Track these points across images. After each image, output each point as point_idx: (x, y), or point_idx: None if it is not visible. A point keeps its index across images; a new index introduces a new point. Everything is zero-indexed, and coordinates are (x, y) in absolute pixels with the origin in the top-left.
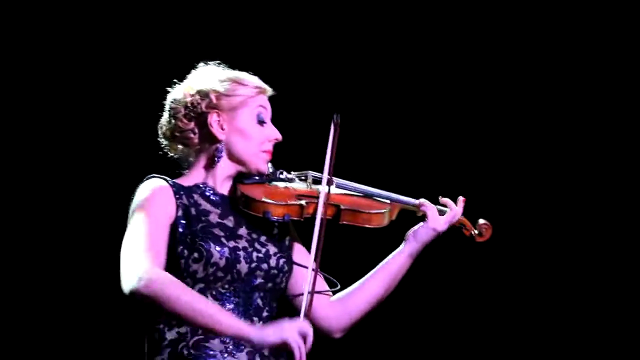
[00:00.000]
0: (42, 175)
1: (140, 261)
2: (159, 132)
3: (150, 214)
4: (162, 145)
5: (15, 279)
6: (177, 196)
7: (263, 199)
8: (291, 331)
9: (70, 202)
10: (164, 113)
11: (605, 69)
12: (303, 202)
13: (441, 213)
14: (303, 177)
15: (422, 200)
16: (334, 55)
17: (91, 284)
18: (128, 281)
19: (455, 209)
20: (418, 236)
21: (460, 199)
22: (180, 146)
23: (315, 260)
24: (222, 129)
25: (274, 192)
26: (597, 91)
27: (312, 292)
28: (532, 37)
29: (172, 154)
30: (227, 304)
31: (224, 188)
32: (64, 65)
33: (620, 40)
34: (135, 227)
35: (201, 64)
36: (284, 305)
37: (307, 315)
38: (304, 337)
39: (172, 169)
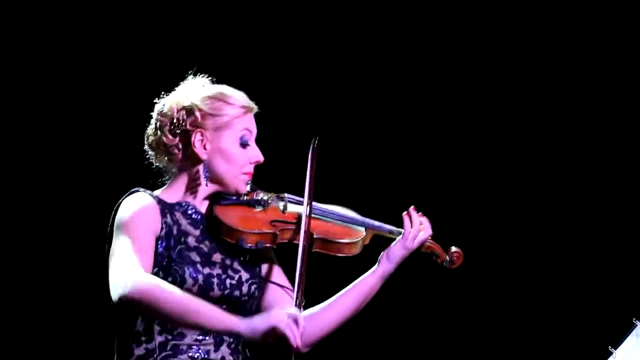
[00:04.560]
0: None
1: (127, 269)
2: (145, 141)
3: (138, 230)
4: (148, 155)
5: None
6: (162, 214)
7: (237, 228)
8: (281, 316)
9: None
10: (150, 122)
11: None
12: (277, 230)
13: None
14: (280, 200)
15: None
16: (314, 75)
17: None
18: (116, 287)
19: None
20: (391, 257)
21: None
22: (165, 158)
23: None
24: (205, 148)
25: (248, 218)
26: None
27: (301, 284)
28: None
29: (157, 164)
30: None
31: (203, 206)
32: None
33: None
34: (123, 243)
35: (190, 77)
36: None
37: (299, 306)
38: (295, 322)
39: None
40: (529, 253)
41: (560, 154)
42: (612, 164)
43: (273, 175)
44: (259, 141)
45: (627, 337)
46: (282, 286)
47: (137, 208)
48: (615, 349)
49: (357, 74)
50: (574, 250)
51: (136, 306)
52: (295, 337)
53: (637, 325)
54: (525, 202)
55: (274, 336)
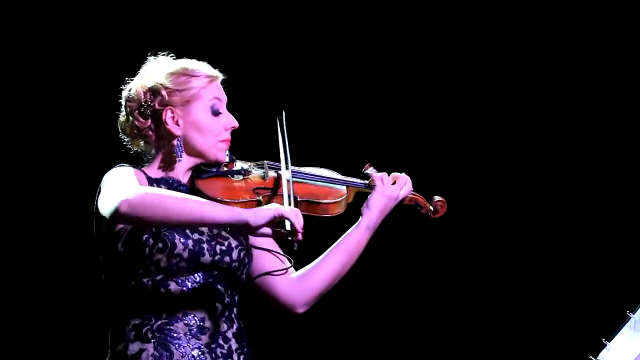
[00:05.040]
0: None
1: (122, 184)
2: (119, 129)
3: (129, 176)
4: (124, 142)
5: None
6: (149, 183)
7: (220, 199)
8: (284, 207)
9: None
10: (121, 110)
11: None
12: (260, 197)
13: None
14: (259, 167)
15: (369, 170)
16: (283, 41)
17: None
18: (113, 200)
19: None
20: (370, 205)
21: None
22: (141, 142)
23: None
24: (178, 124)
25: (230, 188)
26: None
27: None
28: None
29: (134, 149)
30: (189, 285)
31: (186, 179)
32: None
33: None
34: (114, 178)
35: (151, 57)
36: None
37: (290, 203)
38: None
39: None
40: (524, 247)
41: (557, 145)
42: (608, 155)
43: (250, 145)
44: (232, 109)
45: (620, 329)
46: (271, 251)
47: (126, 170)
48: (609, 342)
49: (325, 36)
50: (569, 243)
51: (137, 210)
52: (299, 223)
53: (630, 318)
54: (521, 199)
55: (277, 224)
